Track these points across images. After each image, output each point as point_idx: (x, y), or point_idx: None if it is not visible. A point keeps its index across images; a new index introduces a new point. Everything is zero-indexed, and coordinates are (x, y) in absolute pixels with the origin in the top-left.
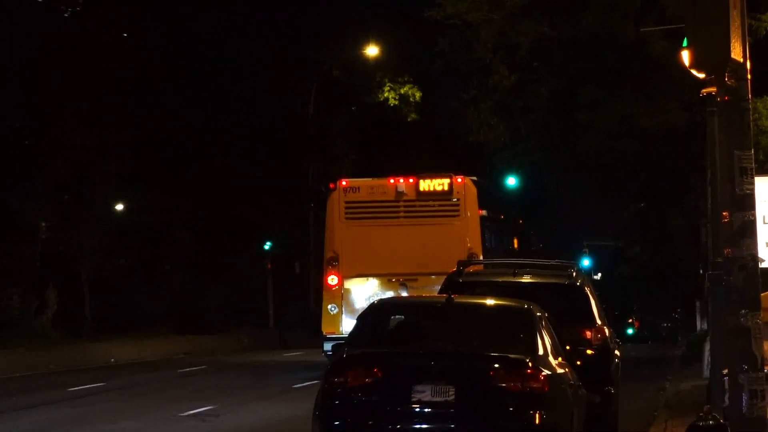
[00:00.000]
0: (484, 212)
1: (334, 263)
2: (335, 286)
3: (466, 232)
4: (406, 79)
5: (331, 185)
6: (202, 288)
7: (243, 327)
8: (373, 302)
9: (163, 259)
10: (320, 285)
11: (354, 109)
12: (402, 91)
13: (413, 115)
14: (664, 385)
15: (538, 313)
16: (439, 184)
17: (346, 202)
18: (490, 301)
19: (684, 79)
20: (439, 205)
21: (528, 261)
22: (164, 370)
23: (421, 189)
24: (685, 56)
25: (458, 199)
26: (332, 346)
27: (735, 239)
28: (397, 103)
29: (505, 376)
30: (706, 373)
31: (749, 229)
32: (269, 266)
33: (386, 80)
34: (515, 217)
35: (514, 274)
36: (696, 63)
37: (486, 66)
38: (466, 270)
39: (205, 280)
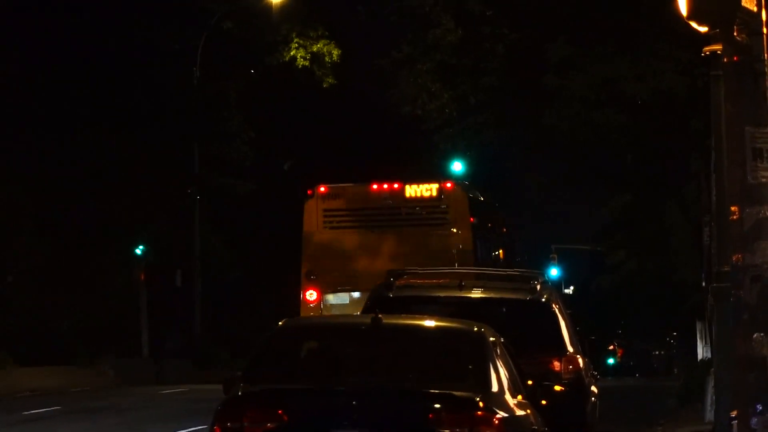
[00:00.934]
0: (475, 220)
1: (313, 277)
2: (314, 302)
3: (456, 242)
4: (319, 33)
5: (309, 191)
6: (53, 306)
7: (108, 356)
8: (278, 324)
9: (0, 268)
10: (298, 300)
11: (253, 72)
12: (314, 49)
13: (329, 80)
14: (656, 430)
15: (491, 338)
16: (427, 189)
17: (325, 210)
18: (428, 323)
19: (682, 33)
20: (427, 213)
21: (479, 270)
22: (3, 413)
23: (407, 195)
24: (683, 4)
25: (447, 206)
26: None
27: (746, 242)
28: (307, 63)
29: (449, 420)
30: (710, 414)
31: (765, 228)
32: (142, 277)
33: (294, 35)
34: (500, 225)
35: (461, 288)
36: (696, 13)
37: (424, 16)
38: (399, 281)
39: (58, 296)
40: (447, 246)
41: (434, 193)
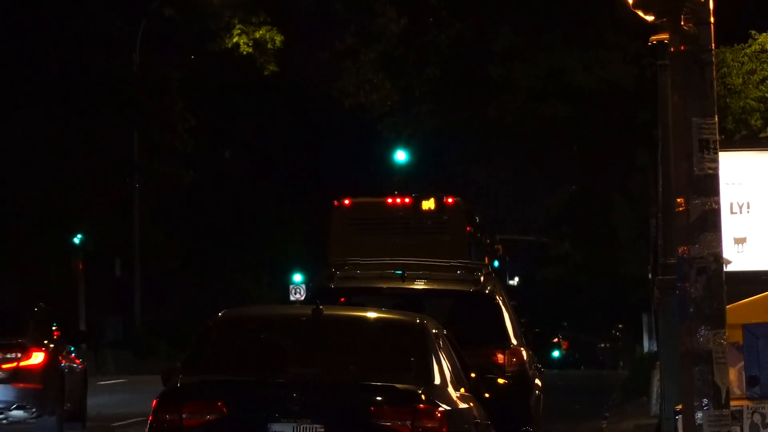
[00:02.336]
0: (470, 230)
1: None
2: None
3: (455, 247)
4: (262, 19)
5: (336, 203)
6: None
7: None
8: (217, 314)
9: None
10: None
11: (193, 58)
12: (257, 35)
13: (272, 67)
14: (601, 424)
15: (434, 330)
16: (432, 203)
17: (349, 219)
18: (370, 314)
19: (629, 23)
20: (432, 222)
21: (423, 261)
22: None
23: (415, 208)
24: None
25: (448, 217)
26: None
27: (693, 234)
28: (250, 50)
29: (391, 413)
30: (656, 409)
31: (711, 220)
32: (81, 266)
33: (236, 21)
34: (487, 237)
35: (403, 279)
36: (643, 1)
37: (368, 5)
38: (341, 272)
39: None
40: (447, 249)
41: (437, 206)
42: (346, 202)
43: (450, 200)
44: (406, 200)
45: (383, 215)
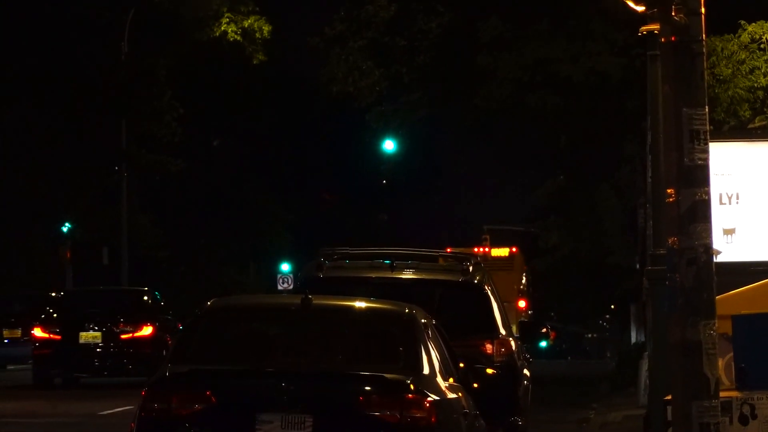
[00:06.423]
0: (526, 268)
1: None
2: None
3: (517, 280)
4: (250, 8)
5: None
6: None
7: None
8: (206, 304)
9: None
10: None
11: (182, 47)
12: (245, 24)
13: (260, 56)
14: (588, 415)
15: (423, 320)
16: (502, 251)
17: None
18: (359, 304)
19: (617, 13)
20: (502, 263)
21: (411, 251)
22: None
23: (492, 254)
24: None
25: (512, 260)
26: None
27: (682, 225)
28: (239, 39)
29: (380, 403)
30: (644, 399)
31: (701, 211)
32: (68, 255)
33: (225, 9)
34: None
35: (392, 269)
36: None
37: None
38: (330, 262)
39: None
40: (513, 282)
41: (506, 254)
42: (448, 251)
43: (514, 249)
44: (486, 249)
45: None
